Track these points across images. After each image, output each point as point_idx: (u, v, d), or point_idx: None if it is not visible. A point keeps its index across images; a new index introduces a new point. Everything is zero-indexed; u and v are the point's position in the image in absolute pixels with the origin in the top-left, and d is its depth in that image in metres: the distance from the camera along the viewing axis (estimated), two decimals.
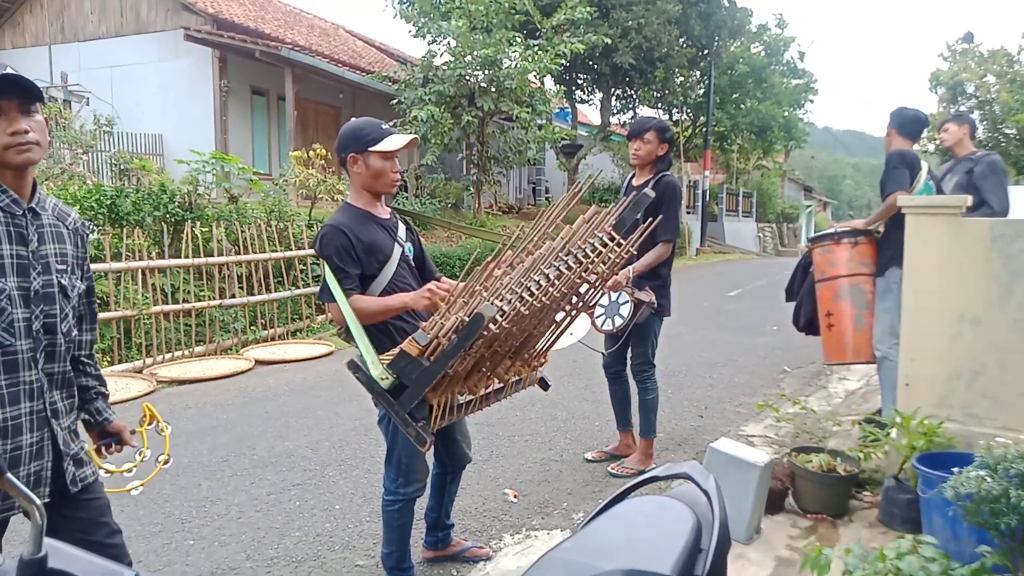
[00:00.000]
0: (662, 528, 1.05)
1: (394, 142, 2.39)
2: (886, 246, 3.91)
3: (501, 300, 1.94)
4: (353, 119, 2.53)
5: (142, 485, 2.02)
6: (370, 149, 2.38)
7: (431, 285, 2.28)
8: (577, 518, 3.37)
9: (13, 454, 1.58)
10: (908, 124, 4.10)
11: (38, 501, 0.85)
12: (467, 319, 1.90)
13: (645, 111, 20.18)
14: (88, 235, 1.81)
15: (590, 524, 1.11)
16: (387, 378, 2.03)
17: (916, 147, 4.20)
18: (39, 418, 1.62)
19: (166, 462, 2.08)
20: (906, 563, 2.11)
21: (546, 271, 2.01)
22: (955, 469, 2.38)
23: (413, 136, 2.51)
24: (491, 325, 1.91)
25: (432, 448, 2.74)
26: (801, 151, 35.74)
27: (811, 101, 25.34)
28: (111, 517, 1.78)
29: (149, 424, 2.05)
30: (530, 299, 1.96)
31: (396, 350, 2.04)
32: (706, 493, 1.07)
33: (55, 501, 1.66)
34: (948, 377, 3.16)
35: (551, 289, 2.00)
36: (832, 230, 4.28)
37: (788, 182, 35.43)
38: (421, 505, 2.82)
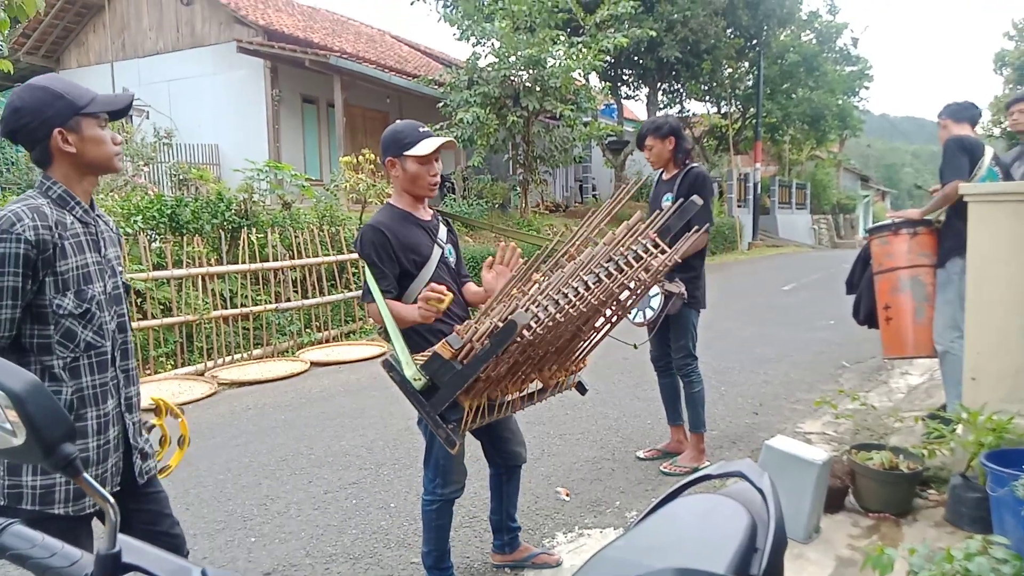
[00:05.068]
0: (715, 527, 1.04)
1: (427, 146, 2.37)
2: (947, 236, 3.77)
3: (537, 306, 1.89)
4: (396, 122, 2.54)
5: (172, 468, 2.03)
6: (405, 154, 2.38)
7: (423, 295, 2.19)
8: (630, 516, 3.35)
9: (104, 448, 1.69)
10: (961, 111, 3.94)
11: (112, 499, 0.89)
12: (500, 325, 1.86)
13: (692, 105, 19.91)
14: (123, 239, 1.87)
15: (642, 522, 1.11)
16: (420, 379, 1.99)
17: (980, 132, 4.03)
18: (116, 414, 1.72)
19: (187, 443, 2.07)
20: (975, 564, 2.04)
21: (585, 278, 1.97)
22: None
23: (448, 139, 2.46)
24: (524, 332, 1.87)
25: (481, 450, 2.76)
26: (857, 140, 34.67)
27: (866, 88, 24.64)
28: (171, 508, 1.87)
29: (165, 416, 2.05)
30: (567, 307, 1.91)
31: (430, 351, 2.01)
32: (760, 491, 1.05)
33: (121, 495, 1.74)
34: (1016, 371, 3.03)
35: (589, 296, 1.95)
36: (890, 221, 4.14)
37: (844, 172, 34.39)
38: (484, 507, 2.82)
